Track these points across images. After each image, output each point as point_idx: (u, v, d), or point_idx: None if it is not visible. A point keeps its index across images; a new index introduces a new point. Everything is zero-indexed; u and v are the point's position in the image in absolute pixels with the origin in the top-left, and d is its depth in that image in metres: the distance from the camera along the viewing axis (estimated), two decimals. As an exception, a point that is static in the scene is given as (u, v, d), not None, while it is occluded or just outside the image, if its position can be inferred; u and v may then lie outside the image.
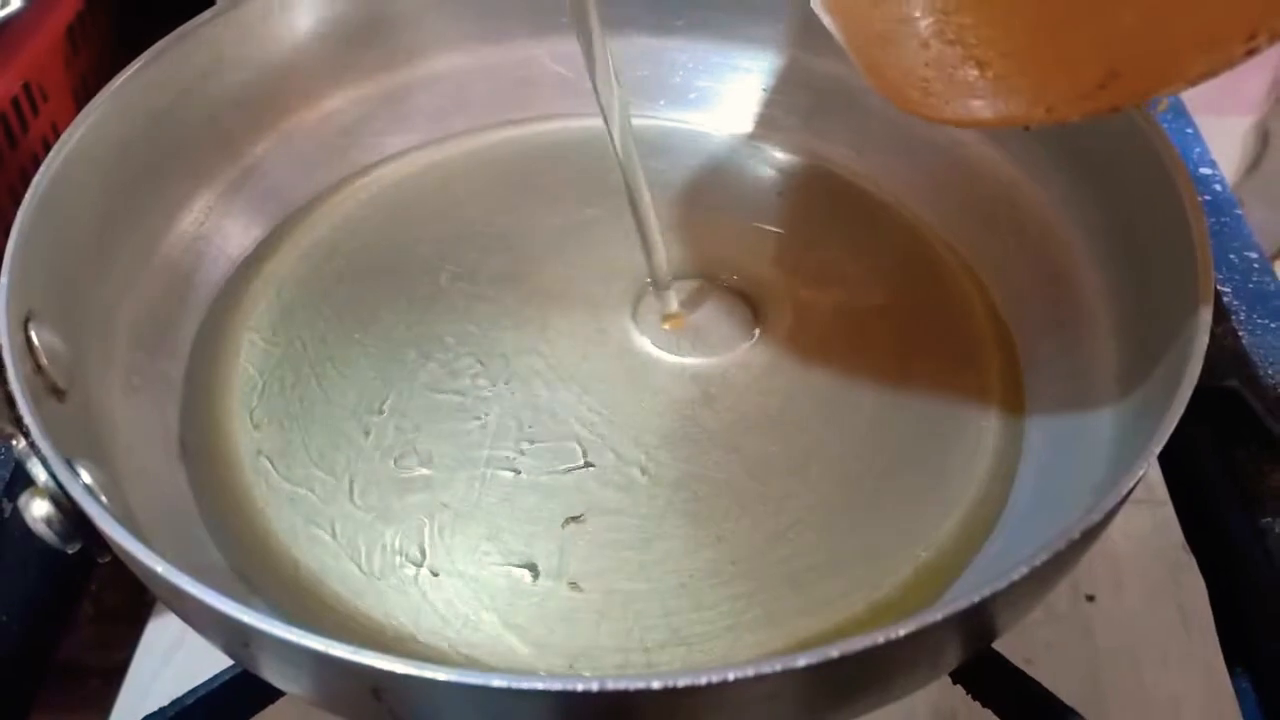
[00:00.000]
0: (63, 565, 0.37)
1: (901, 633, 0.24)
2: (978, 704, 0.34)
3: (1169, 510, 0.44)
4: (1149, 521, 0.60)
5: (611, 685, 0.23)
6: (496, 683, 0.23)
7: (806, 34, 0.48)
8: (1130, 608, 0.61)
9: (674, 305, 0.42)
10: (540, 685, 0.23)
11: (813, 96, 0.48)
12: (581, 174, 0.47)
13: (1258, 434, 0.42)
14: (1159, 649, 0.59)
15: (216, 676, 0.34)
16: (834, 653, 0.23)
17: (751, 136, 0.49)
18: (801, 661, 0.23)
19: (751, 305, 0.42)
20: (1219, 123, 0.69)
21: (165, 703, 0.34)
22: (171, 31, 0.42)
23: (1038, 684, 0.33)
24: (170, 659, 0.52)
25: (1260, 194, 0.73)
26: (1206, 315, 0.31)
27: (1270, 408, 0.41)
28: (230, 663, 0.33)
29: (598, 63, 0.37)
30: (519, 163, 0.48)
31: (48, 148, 0.48)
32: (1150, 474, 0.31)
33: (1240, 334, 0.46)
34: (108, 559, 0.31)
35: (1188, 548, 0.45)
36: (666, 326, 0.42)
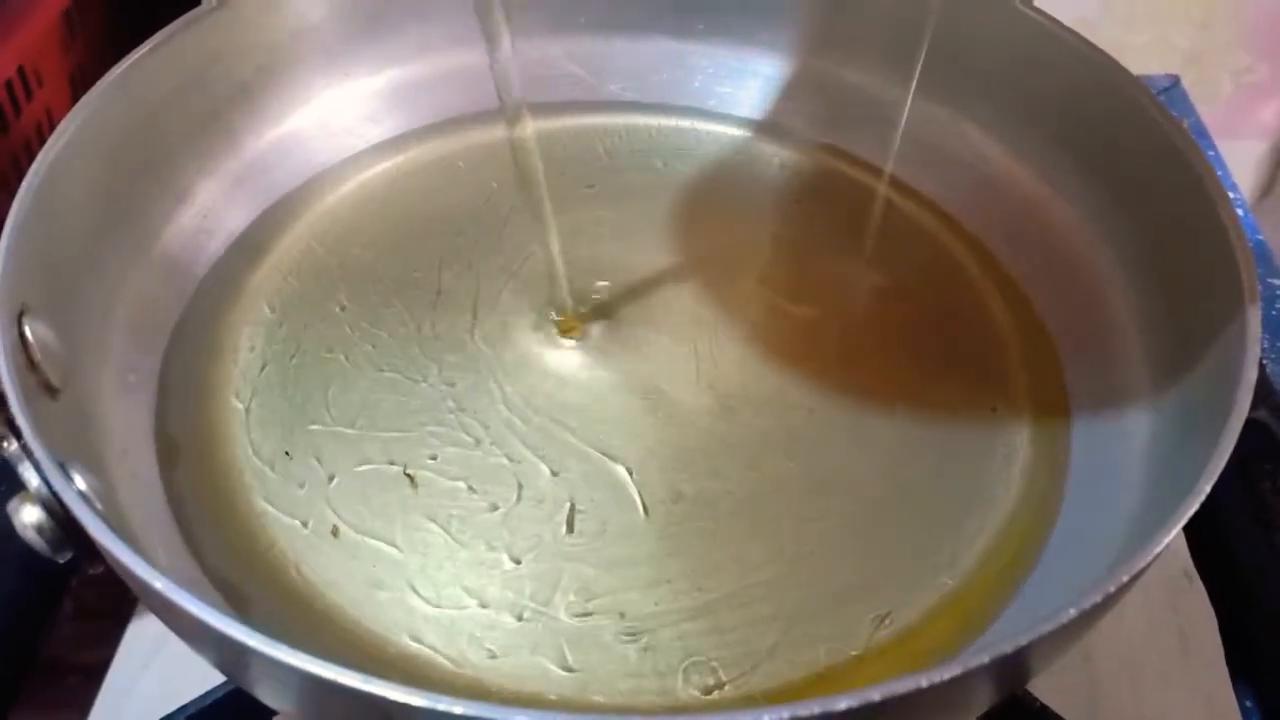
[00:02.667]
0: (46, 566, 0.36)
1: (946, 676, 0.23)
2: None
3: (1170, 534, 0.43)
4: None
5: (639, 724, 0.22)
6: (520, 719, 0.22)
7: (829, 42, 0.48)
8: (1129, 631, 0.60)
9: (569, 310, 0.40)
10: (565, 722, 0.22)
11: (835, 106, 0.48)
12: (594, 171, 0.46)
13: (1284, 466, 0.42)
14: (1159, 673, 0.58)
15: (208, 693, 0.33)
16: (875, 696, 0.22)
17: (771, 143, 0.48)
18: (842, 704, 0.22)
19: (771, 316, 0.41)
20: (1234, 146, 0.69)
21: (145, 703, 0.32)
22: (173, 20, 0.41)
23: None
24: (152, 659, 0.51)
25: (1276, 218, 0.73)
26: (1255, 349, 0.30)
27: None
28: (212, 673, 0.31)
29: (500, 66, 0.35)
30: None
31: (42, 134, 0.46)
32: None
33: (1264, 363, 0.45)
34: (100, 570, 0.29)
35: (1188, 572, 0.44)
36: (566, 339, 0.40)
